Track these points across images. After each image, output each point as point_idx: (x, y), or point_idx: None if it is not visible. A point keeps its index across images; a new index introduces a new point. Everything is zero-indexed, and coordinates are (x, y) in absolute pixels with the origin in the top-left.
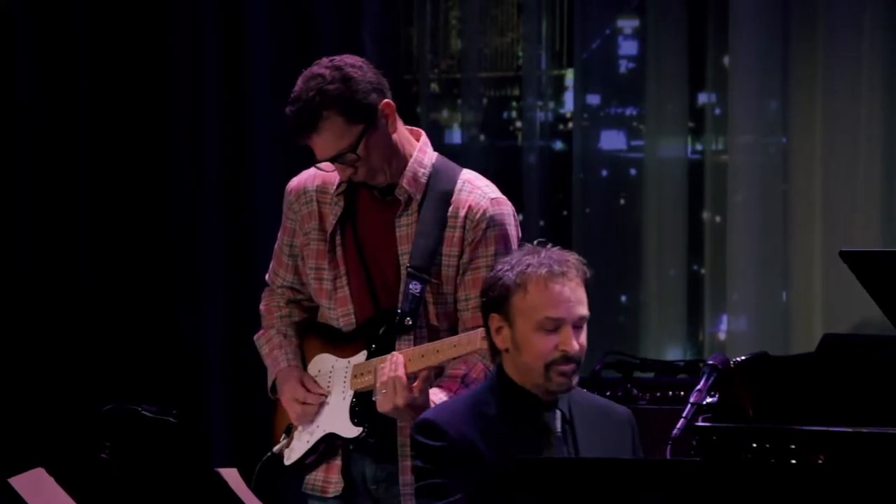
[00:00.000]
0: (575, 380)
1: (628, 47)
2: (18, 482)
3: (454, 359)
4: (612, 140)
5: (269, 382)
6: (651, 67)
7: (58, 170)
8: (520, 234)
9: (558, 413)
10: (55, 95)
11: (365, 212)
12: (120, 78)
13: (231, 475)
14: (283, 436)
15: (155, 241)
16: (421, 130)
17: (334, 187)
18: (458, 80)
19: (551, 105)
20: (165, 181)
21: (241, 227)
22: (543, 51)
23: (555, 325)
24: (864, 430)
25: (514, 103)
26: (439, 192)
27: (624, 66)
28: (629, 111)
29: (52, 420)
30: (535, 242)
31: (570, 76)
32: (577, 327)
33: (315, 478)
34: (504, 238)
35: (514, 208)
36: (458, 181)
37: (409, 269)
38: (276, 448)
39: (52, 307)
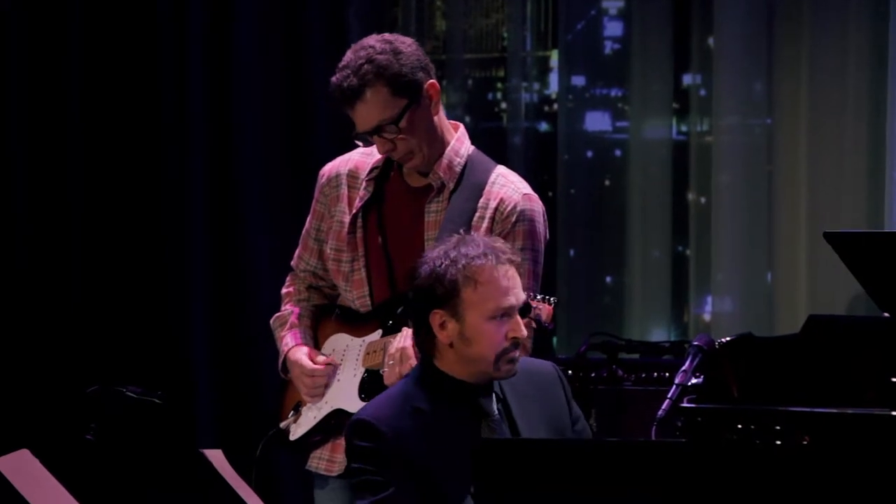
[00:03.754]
0: (517, 365)
1: (613, 28)
2: (3, 463)
3: None
4: (596, 121)
5: (280, 362)
6: (636, 48)
7: (49, 168)
8: (547, 235)
9: (493, 396)
10: (46, 97)
11: (393, 198)
12: (110, 72)
13: (216, 457)
14: (291, 413)
15: (142, 227)
16: (459, 123)
17: (366, 173)
18: (443, 61)
19: (536, 86)
20: (156, 173)
21: (227, 214)
22: (528, 32)
23: (506, 313)
24: (849, 411)
25: (498, 84)
26: (472, 183)
27: (609, 47)
28: (614, 92)
29: (37, 401)
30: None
31: (554, 57)
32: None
33: (320, 456)
34: (532, 234)
35: (544, 207)
36: (492, 174)
37: None
38: (282, 424)
39: (39, 291)
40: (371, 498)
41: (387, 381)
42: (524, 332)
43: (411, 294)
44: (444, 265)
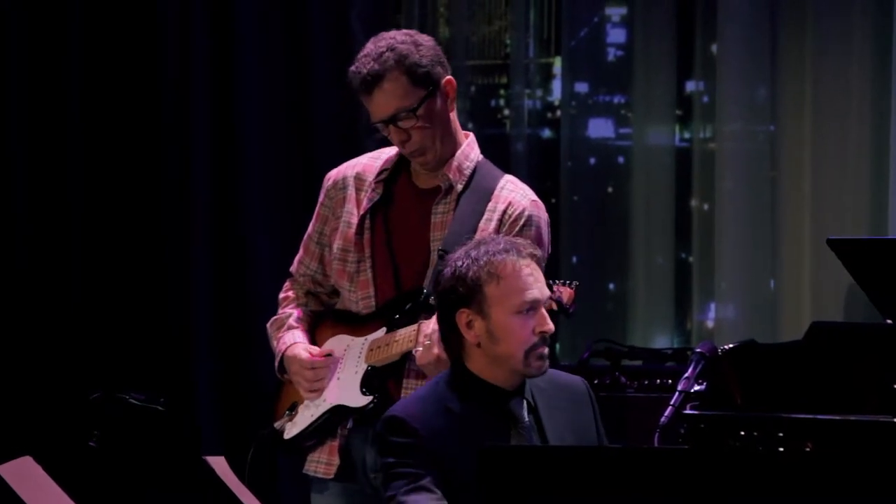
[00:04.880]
0: (548, 361)
1: (616, 35)
2: (6, 470)
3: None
4: (599, 128)
5: (276, 362)
6: (639, 55)
7: (49, 171)
8: (549, 246)
9: (524, 402)
10: (46, 97)
11: (401, 199)
12: (111, 72)
13: (218, 463)
14: (286, 413)
15: (143, 227)
16: (471, 133)
17: (373, 175)
18: None
19: (539, 93)
20: (156, 174)
21: (230, 218)
22: (531, 39)
23: (532, 307)
24: (852, 418)
25: (501, 91)
26: (481, 187)
27: (612, 53)
28: (617, 99)
29: (40, 408)
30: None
31: (557, 64)
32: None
33: (318, 459)
34: (538, 240)
35: (548, 216)
36: (501, 180)
37: (440, 252)
38: (276, 423)
39: (41, 297)
40: (408, 485)
41: (420, 362)
42: (551, 326)
43: (436, 299)
44: (465, 264)
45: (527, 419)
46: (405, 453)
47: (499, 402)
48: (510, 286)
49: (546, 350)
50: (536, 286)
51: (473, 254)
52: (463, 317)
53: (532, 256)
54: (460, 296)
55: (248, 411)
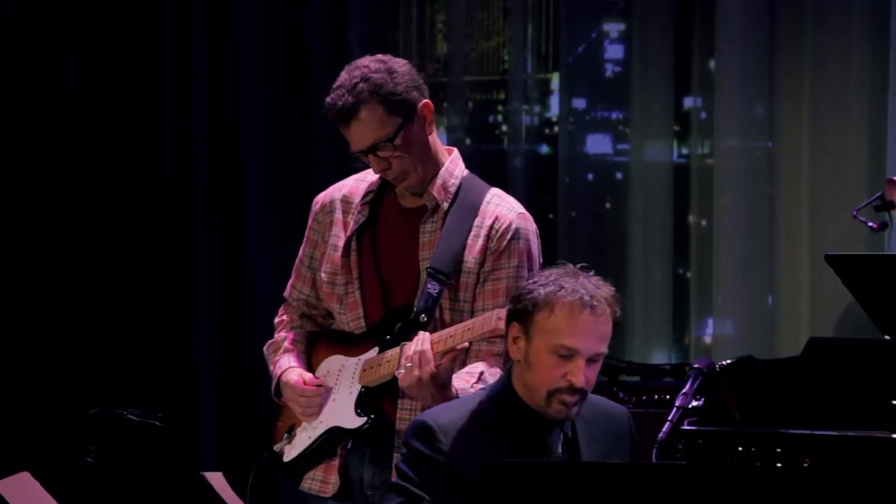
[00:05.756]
0: (574, 410)
1: (614, 51)
2: (4, 486)
3: (467, 343)
4: (597, 144)
5: (273, 386)
6: (637, 71)
7: (49, 171)
8: (541, 256)
9: (560, 434)
10: (46, 97)
11: (387, 220)
12: (111, 76)
13: (216, 479)
14: (286, 436)
15: (145, 244)
16: (454, 148)
17: (360, 198)
18: (444, 83)
19: (537, 109)
20: (157, 185)
21: (231, 232)
22: (529, 54)
23: (569, 354)
24: (850, 434)
25: (499, 107)
26: (467, 203)
27: (610, 69)
28: (615, 115)
29: (38, 423)
30: (579, 266)
31: (555, 80)
32: (591, 361)
33: (314, 477)
34: (527, 252)
35: (537, 228)
36: (487, 194)
37: (429, 270)
38: (276, 446)
39: (39, 309)
40: None
41: (402, 384)
42: (582, 381)
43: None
44: (537, 283)
45: (560, 451)
46: (418, 464)
47: (536, 429)
48: (557, 323)
49: (573, 399)
50: (584, 336)
51: (551, 278)
52: (513, 330)
53: (602, 312)
54: (517, 309)
55: (249, 432)
